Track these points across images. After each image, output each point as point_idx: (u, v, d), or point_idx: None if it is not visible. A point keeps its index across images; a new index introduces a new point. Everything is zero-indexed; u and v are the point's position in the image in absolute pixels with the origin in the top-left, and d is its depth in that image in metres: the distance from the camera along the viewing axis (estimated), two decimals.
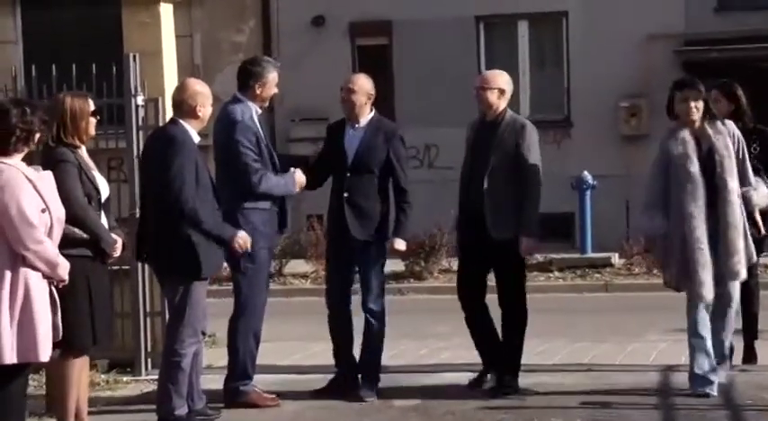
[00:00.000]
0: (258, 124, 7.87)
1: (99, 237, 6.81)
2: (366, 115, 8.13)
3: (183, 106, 7.34)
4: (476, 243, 8.07)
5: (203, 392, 7.57)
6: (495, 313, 8.15)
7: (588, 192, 16.62)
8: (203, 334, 7.55)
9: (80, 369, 6.93)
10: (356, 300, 8.17)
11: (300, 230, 16.76)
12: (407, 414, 7.66)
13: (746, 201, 7.71)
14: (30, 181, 5.94)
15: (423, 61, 18.59)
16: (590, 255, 16.53)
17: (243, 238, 7.41)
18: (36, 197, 5.93)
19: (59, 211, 6.08)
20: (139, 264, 8.79)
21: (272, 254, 8.20)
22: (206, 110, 7.38)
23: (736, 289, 7.73)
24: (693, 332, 7.72)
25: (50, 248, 5.97)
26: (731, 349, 8.43)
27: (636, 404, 7.70)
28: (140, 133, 8.96)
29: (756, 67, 17.21)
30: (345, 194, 8.01)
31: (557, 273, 16.07)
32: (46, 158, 6.75)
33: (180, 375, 7.22)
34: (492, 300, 8.14)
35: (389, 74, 18.87)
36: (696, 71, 17.58)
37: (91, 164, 7.01)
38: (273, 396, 7.97)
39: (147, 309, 9.05)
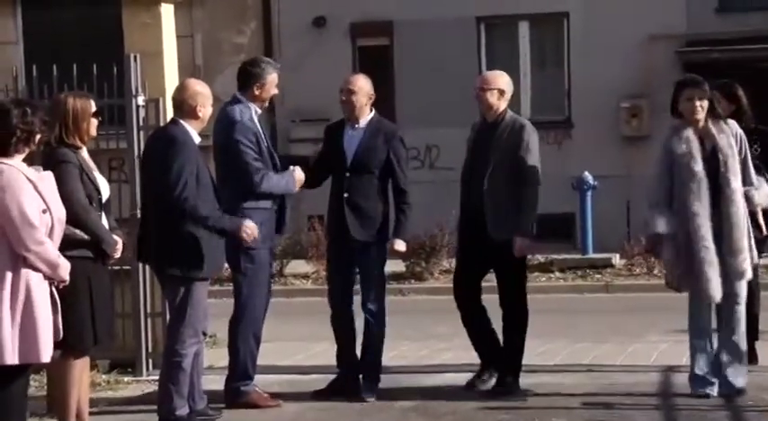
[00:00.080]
0: (258, 124, 7.87)
1: (100, 238, 6.81)
2: (366, 116, 8.13)
3: (184, 106, 7.34)
4: (476, 243, 8.07)
5: (204, 392, 7.57)
6: (496, 313, 8.15)
7: (589, 193, 16.62)
8: (204, 334, 7.55)
9: (81, 369, 6.93)
10: (357, 300, 8.17)
11: (301, 231, 16.77)
12: (408, 414, 7.66)
13: (749, 200, 7.70)
14: (30, 181, 5.94)
15: (423, 62, 18.59)
16: (591, 255, 16.54)
17: (250, 227, 7.41)
18: (37, 198, 5.93)
19: (60, 212, 6.08)
20: (140, 265, 8.79)
21: (273, 254, 8.19)
22: (206, 110, 7.38)
23: (742, 288, 7.71)
24: (695, 333, 7.72)
25: (51, 249, 5.97)
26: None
27: (637, 404, 7.70)
28: (141, 134, 8.96)
29: (757, 67, 17.21)
30: (345, 195, 8.01)
31: (557, 274, 16.07)
32: (47, 159, 6.75)
33: (181, 375, 7.22)
34: (493, 300, 8.14)
35: (390, 74, 18.87)
36: (697, 72, 17.55)
37: (92, 164, 7.01)
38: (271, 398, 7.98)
39: (148, 310, 9.05)
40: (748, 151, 7.79)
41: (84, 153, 6.98)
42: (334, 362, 8.29)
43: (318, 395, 8.13)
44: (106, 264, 6.99)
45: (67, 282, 6.13)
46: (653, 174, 7.79)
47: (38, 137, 6.10)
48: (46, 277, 5.99)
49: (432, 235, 15.74)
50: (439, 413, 7.64)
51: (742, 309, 7.72)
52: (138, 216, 8.47)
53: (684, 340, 7.97)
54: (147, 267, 8.64)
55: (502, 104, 8.12)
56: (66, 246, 6.36)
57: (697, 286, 7.55)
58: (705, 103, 7.69)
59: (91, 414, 7.20)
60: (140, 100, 9.04)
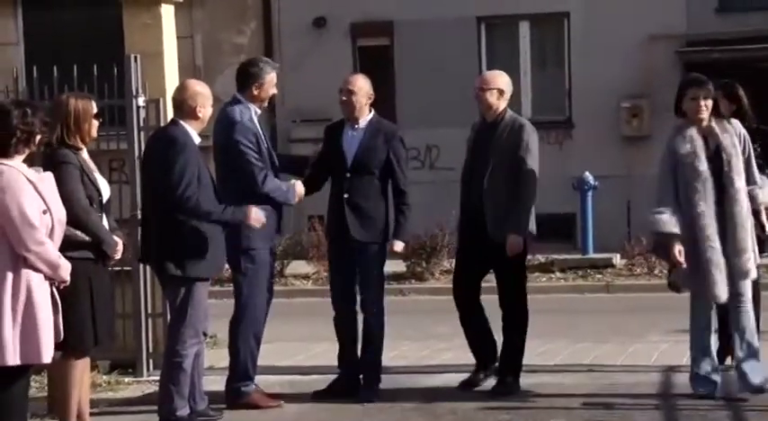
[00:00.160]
0: (258, 125, 7.88)
1: (101, 239, 6.81)
2: (365, 116, 8.13)
3: (184, 107, 7.35)
4: (476, 243, 8.07)
5: (205, 393, 7.57)
6: (496, 314, 8.16)
7: (590, 193, 16.62)
8: (204, 335, 7.55)
9: (82, 370, 6.93)
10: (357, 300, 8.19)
11: (302, 231, 16.77)
12: (409, 414, 7.66)
13: (753, 199, 7.69)
14: (31, 182, 5.94)
15: (424, 62, 18.59)
16: (591, 255, 16.54)
17: (256, 213, 7.43)
18: (37, 198, 5.93)
19: (60, 213, 6.08)
20: (141, 266, 8.79)
21: (274, 254, 8.19)
22: (206, 110, 7.39)
23: (747, 287, 7.69)
24: (696, 332, 7.71)
25: (52, 249, 5.97)
26: (732, 349, 8.43)
27: (637, 404, 7.70)
28: (141, 134, 8.97)
29: (758, 67, 17.20)
30: (345, 195, 8.01)
31: (558, 274, 16.07)
32: (48, 160, 6.75)
33: (181, 376, 7.23)
34: (493, 300, 8.15)
35: (391, 74, 18.87)
36: (697, 71, 17.56)
37: (92, 165, 7.02)
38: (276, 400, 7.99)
39: (149, 310, 9.06)
40: (752, 150, 7.78)
41: (85, 154, 6.99)
42: (334, 362, 8.29)
43: (319, 395, 8.13)
44: (107, 265, 6.99)
45: (68, 283, 6.14)
46: (657, 174, 7.77)
47: (38, 138, 6.11)
48: (46, 278, 6.00)
49: (432, 235, 15.74)
50: (439, 413, 7.64)
51: (749, 308, 7.69)
52: (139, 217, 8.47)
53: (685, 340, 7.97)
54: (148, 268, 8.64)
55: (501, 104, 8.13)
56: (67, 247, 6.36)
57: (703, 286, 7.54)
58: (709, 103, 7.68)
59: (91, 414, 7.20)
60: (141, 100, 9.05)
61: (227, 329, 7.98)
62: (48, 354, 5.97)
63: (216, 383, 7.98)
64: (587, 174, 16.67)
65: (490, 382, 8.18)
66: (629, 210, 18.13)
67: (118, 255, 6.97)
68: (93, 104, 7.05)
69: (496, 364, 8.22)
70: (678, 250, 7.48)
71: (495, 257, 8.02)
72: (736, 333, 7.67)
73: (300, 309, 13.34)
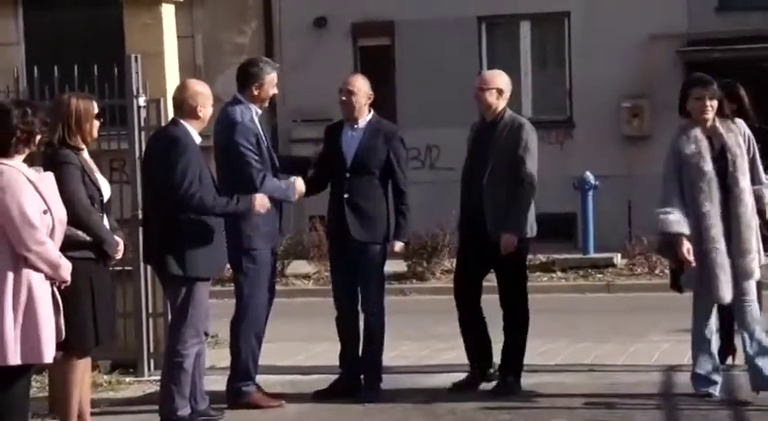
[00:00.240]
0: (259, 125, 7.88)
1: (102, 239, 6.81)
2: (365, 116, 8.13)
3: (184, 106, 7.35)
4: (476, 243, 8.08)
5: (206, 393, 7.57)
6: (497, 313, 8.16)
7: (590, 193, 16.61)
8: (206, 334, 7.55)
9: (83, 370, 6.93)
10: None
11: (303, 231, 16.77)
12: (409, 414, 7.66)
13: (758, 199, 7.68)
14: (31, 182, 5.94)
15: (425, 62, 18.58)
16: (592, 255, 16.53)
17: (261, 199, 7.45)
18: (37, 198, 5.93)
19: (61, 213, 6.08)
20: (142, 265, 8.79)
21: (276, 254, 8.19)
22: (207, 110, 7.39)
23: (752, 287, 7.67)
24: (698, 332, 7.70)
25: (52, 249, 5.97)
26: (733, 349, 8.43)
27: (638, 404, 7.70)
28: (142, 134, 8.97)
29: (758, 66, 17.19)
30: (345, 196, 8.01)
31: (559, 274, 16.06)
32: (48, 160, 6.75)
33: (182, 376, 7.23)
34: (493, 300, 8.15)
35: (391, 74, 18.86)
36: (698, 71, 17.56)
37: (93, 166, 7.02)
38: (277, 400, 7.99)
39: (150, 310, 9.06)
40: (757, 150, 7.76)
41: (86, 154, 6.99)
42: (335, 362, 8.30)
43: (320, 395, 8.13)
44: (108, 265, 6.99)
45: (69, 283, 6.14)
46: (662, 174, 7.75)
47: (38, 138, 6.11)
48: (47, 277, 5.99)
49: (433, 235, 15.74)
50: (440, 413, 7.64)
51: (755, 307, 7.66)
52: (140, 216, 8.47)
53: (686, 340, 7.96)
54: (149, 268, 8.64)
55: (501, 104, 8.13)
56: (68, 247, 6.37)
57: (707, 287, 7.53)
58: (714, 103, 7.67)
59: (92, 414, 7.20)
60: (141, 100, 9.05)
61: (228, 329, 7.99)
62: (49, 354, 5.97)
63: (217, 383, 7.98)
64: (588, 173, 16.67)
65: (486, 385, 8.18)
66: (629, 210, 18.12)
67: (119, 255, 6.97)
68: (95, 104, 7.06)
69: (491, 370, 8.22)
70: (687, 249, 7.46)
71: (495, 257, 8.02)
72: (745, 332, 7.65)
73: (301, 308, 13.35)
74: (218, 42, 19.02)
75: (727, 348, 8.35)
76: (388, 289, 8.41)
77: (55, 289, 6.06)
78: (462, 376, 8.30)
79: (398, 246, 8.18)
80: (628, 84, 18.26)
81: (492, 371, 8.21)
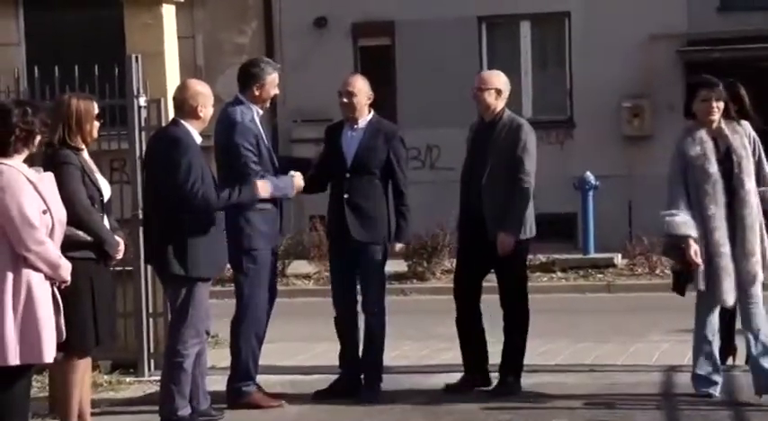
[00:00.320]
0: (259, 126, 7.88)
1: (102, 239, 6.81)
2: (365, 116, 8.14)
3: (185, 106, 7.35)
4: (476, 243, 8.08)
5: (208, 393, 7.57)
6: (497, 314, 8.16)
7: (591, 193, 16.61)
8: (207, 333, 7.55)
9: (83, 370, 6.93)
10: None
11: (303, 231, 16.77)
12: (410, 414, 7.67)
13: (764, 200, 7.66)
14: (31, 182, 5.94)
15: (425, 62, 18.58)
16: (592, 255, 16.53)
17: (262, 184, 7.50)
18: (37, 198, 5.93)
19: (61, 213, 6.08)
20: (142, 265, 8.80)
21: (276, 254, 8.19)
22: (207, 110, 7.39)
23: (758, 288, 7.65)
24: (700, 333, 7.69)
25: (52, 249, 5.97)
26: (734, 349, 8.43)
27: (639, 404, 7.70)
28: (143, 134, 8.97)
29: (759, 67, 17.18)
30: (345, 196, 8.01)
31: (559, 274, 16.06)
32: (49, 160, 6.75)
33: (182, 376, 7.23)
34: (494, 300, 8.15)
35: (392, 74, 18.87)
36: (698, 71, 17.57)
37: (93, 166, 7.02)
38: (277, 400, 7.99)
39: (150, 310, 9.06)
40: (762, 152, 7.75)
41: (86, 154, 6.99)
42: (335, 362, 8.30)
43: (320, 395, 8.13)
44: (108, 265, 6.99)
45: (69, 283, 6.14)
46: (667, 175, 7.73)
47: (38, 138, 6.10)
48: (47, 278, 5.99)
49: (433, 235, 15.74)
50: (440, 413, 7.64)
51: (761, 309, 7.64)
52: (140, 217, 8.47)
53: (686, 340, 7.97)
54: (149, 268, 8.65)
55: (499, 104, 8.14)
56: (69, 247, 6.37)
57: (711, 290, 7.52)
58: (721, 104, 7.65)
59: (93, 414, 7.21)
60: (142, 100, 9.05)
61: (228, 329, 7.99)
62: (49, 354, 5.97)
63: (217, 383, 7.98)
64: (588, 173, 16.66)
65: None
66: (630, 210, 18.12)
67: (119, 255, 6.98)
68: (95, 105, 7.06)
69: (486, 372, 8.22)
70: (694, 251, 7.45)
71: (495, 257, 8.02)
72: (750, 334, 7.64)
73: (302, 308, 13.34)
74: (218, 42, 19.03)
75: (727, 348, 8.35)
76: (388, 289, 8.41)
77: (55, 289, 6.06)
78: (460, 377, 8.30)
79: (397, 246, 8.21)
80: (628, 84, 18.25)
81: (487, 372, 8.21)
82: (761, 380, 7.60)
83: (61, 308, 6.06)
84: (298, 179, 7.87)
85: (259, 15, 19.32)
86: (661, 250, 8.21)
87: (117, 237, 6.94)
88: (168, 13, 9.36)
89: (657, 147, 17.91)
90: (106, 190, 7.01)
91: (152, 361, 9.01)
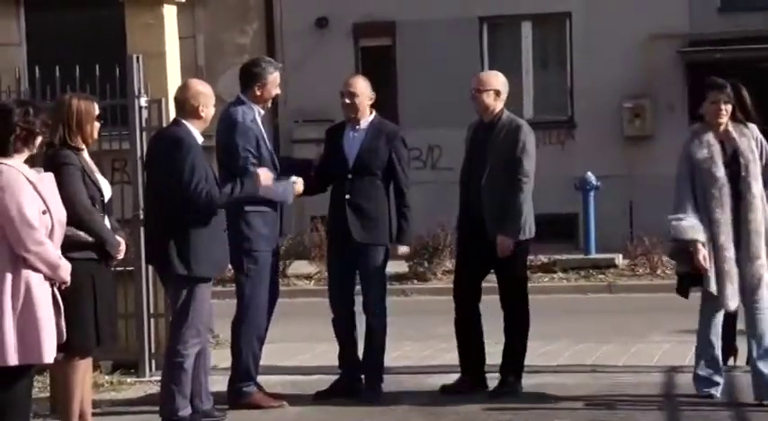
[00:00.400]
0: (261, 126, 7.88)
1: (103, 239, 6.81)
2: (367, 117, 8.13)
3: (186, 106, 7.35)
4: (476, 244, 8.07)
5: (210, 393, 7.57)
6: (497, 314, 8.15)
7: (592, 193, 16.60)
8: (211, 332, 7.54)
9: (84, 370, 6.93)
10: (358, 301, 8.17)
11: (304, 231, 16.77)
12: (411, 414, 7.66)
13: None
14: (30, 182, 5.93)
15: (426, 62, 18.58)
16: (594, 255, 16.52)
17: (263, 173, 7.50)
18: (37, 198, 5.92)
19: (60, 213, 6.07)
20: (143, 266, 8.79)
21: (277, 255, 8.19)
22: (208, 110, 7.39)
23: (763, 291, 7.62)
24: (703, 335, 7.68)
25: (51, 250, 5.96)
26: (735, 350, 8.42)
27: (640, 405, 7.69)
28: (144, 134, 8.97)
29: (759, 67, 17.18)
30: (347, 197, 8.00)
31: (560, 274, 16.06)
32: (49, 161, 6.75)
33: (183, 376, 7.22)
34: (494, 300, 8.14)
35: (393, 75, 18.86)
36: (699, 72, 17.57)
37: (93, 166, 7.02)
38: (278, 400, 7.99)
39: (151, 311, 9.06)
40: None
41: (86, 154, 6.99)
42: (336, 362, 8.29)
43: (321, 396, 8.13)
44: (110, 265, 6.99)
45: (69, 284, 6.12)
46: (675, 178, 7.69)
47: (39, 138, 6.10)
48: (47, 278, 5.98)
49: (434, 235, 15.74)
50: (441, 413, 7.64)
51: (765, 314, 7.60)
52: (141, 217, 8.47)
53: (687, 340, 7.96)
54: (150, 268, 8.65)
55: (498, 105, 8.13)
56: (70, 247, 6.37)
57: (716, 293, 7.52)
58: (729, 107, 7.64)
59: (94, 415, 7.20)
60: (143, 101, 9.05)
61: (229, 330, 7.98)
62: (49, 355, 5.96)
63: (218, 383, 7.98)
64: (589, 174, 16.66)
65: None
66: (631, 211, 18.12)
67: (121, 255, 6.98)
68: (95, 105, 7.06)
69: (486, 376, 8.22)
70: (703, 255, 7.44)
71: (495, 258, 8.01)
72: (753, 337, 7.62)
73: (303, 309, 13.33)
74: (219, 43, 19.02)
75: (728, 349, 8.34)
76: (389, 289, 8.40)
77: (55, 290, 6.06)
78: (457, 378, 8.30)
79: (402, 249, 8.19)
80: (629, 84, 18.25)
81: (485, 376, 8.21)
82: (761, 388, 7.58)
83: (62, 308, 6.06)
84: (298, 186, 7.87)
85: (260, 16, 19.32)
86: (668, 254, 8.17)
87: (118, 238, 6.93)
88: (169, 13, 9.36)
89: (658, 148, 17.93)
90: (107, 190, 7.00)
91: (153, 361, 9.00)
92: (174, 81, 9.15)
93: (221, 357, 8.76)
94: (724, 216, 7.48)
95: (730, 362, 8.46)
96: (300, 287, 15.83)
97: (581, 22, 18.63)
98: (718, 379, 7.71)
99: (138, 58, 9.02)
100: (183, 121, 7.33)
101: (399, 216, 8.11)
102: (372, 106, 8.17)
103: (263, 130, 7.90)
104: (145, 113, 9.07)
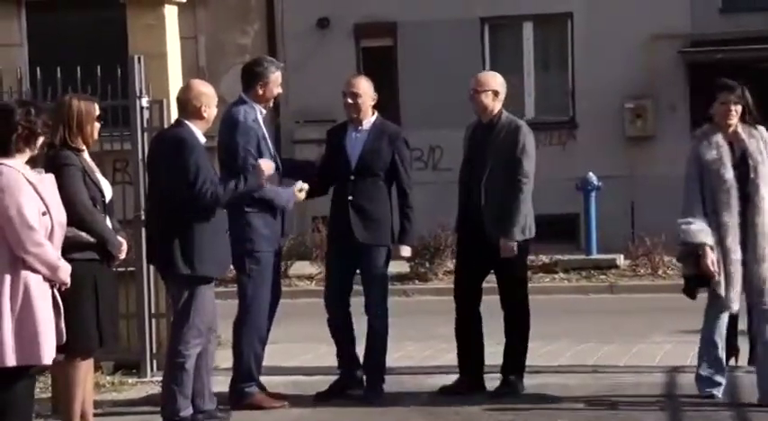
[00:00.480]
0: (263, 126, 7.88)
1: (105, 239, 6.81)
2: (369, 118, 8.13)
3: (188, 107, 7.35)
4: (476, 245, 8.07)
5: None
6: (497, 314, 8.15)
7: (593, 194, 16.60)
8: (214, 332, 7.54)
9: (86, 371, 6.93)
10: (356, 301, 8.17)
11: (306, 232, 16.77)
12: (412, 415, 7.66)
13: None
14: (30, 183, 5.93)
15: (427, 63, 18.58)
16: (595, 256, 16.51)
17: (265, 164, 7.50)
18: (36, 200, 5.92)
19: (61, 215, 6.06)
20: (145, 266, 8.80)
21: (279, 256, 8.19)
22: (211, 110, 7.39)
23: None
24: (707, 335, 7.66)
25: (50, 251, 5.94)
26: (736, 350, 8.41)
27: (641, 405, 7.69)
28: (145, 135, 8.97)
29: (761, 67, 17.17)
30: (350, 198, 8.00)
31: (562, 275, 16.05)
32: (50, 161, 6.74)
33: (184, 376, 7.22)
34: (494, 301, 8.14)
35: (394, 75, 18.86)
36: (701, 72, 17.58)
37: (94, 167, 7.02)
38: (280, 400, 7.99)
39: (153, 311, 9.06)
40: None
41: (86, 155, 6.99)
42: (336, 363, 8.29)
43: (321, 396, 8.13)
44: (111, 266, 6.99)
45: (68, 285, 6.11)
46: (683, 180, 7.66)
47: (40, 139, 6.10)
48: (46, 279, 5.97)
49: (435, 235, 15.74)
50: (442, 413, 7.64)
51: None
52: (143, 217, 8.47)
53: (689, 341, 7.96)
54: (152, 268, 8.65)
55: (497, 105, 8.14)
56: (72, 248, 6.37)
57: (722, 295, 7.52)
58: (739, 108, 7.63)
59: (95, 415, 7.20)
60: (144, 101, 9.05)
61: (231, 330, 7.98)
62: (48, 356, 5.95)
63: (220, 384, 7.98)
64: (591, 174, 16.65)
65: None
66: (632, 211, 18.11)
67: (123, 256, 6.98)
68: (96, 106, 7.05)
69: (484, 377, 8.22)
70: (711, 260, 7.43)
71: (495, 258, 8.01)
72: (760, 341, 7.63)
73: (304, 309, 13.31)
74: (220, 43, 19.03)
75: (729, 349, 8.33)
76: (390, 290, 8.40)
77: (55, 291, 6.05)
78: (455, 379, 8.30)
79: (405, 250, 8.18)
80: (630, 84, 18.25)
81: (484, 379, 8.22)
82: (765, 391, 7.57)
83: (61, 310, 6.05)
84: (301, 195, 7.86)
85: (261, 16, 19.32)
86: (676, 257, 8.15)
87: (119, 238, 6.94)
88: (170, 13, 9.36)
89: (660, 148, 17.93)
90: (108, 190, 7.01)
91: (154, 361, 9.01)
92: (175, 82, 9.15)
93: (223, 358, 8.76)
94: (732, 219, 7.46)
95: (731, 362, 8.46)
96: (302, 287, 15.82)
97: (582, 22, 18.64)
98: (720, 379, 7.71)
99: (139, 58, 9.02)
100: (186, 122, 7.34)
101: (402, 216, 8.10)
102: (374, 107, 8.17)
103: (264, 131, 7.90)
104: (146, 114, 9.07)
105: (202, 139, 7.33)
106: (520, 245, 8.03)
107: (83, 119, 6.92)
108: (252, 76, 7.89)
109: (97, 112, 7.02)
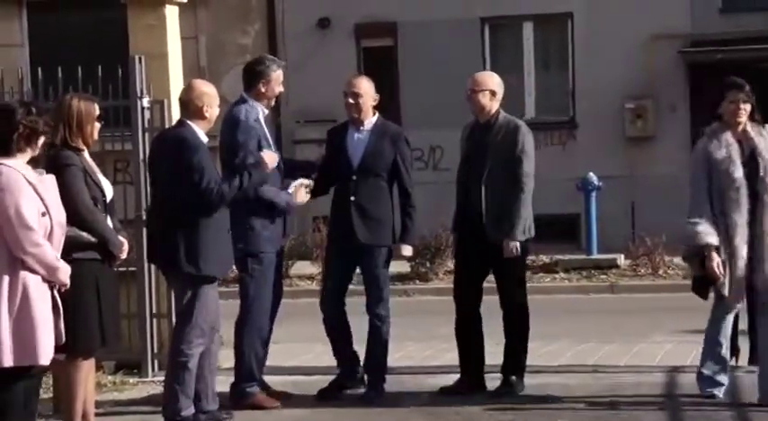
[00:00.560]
0: (264, 126, 7.88)
1: (106, 239, 6.82)
2: (370, 118, 8.13)
3: (190, 106, 7.36)
4: (476, 245, 8.07)
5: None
6: (497, 314, 8.16)
7: (593, 194, 16.61)
8: (216, 332, 7.55)
9: (87, 371, 6.93)
10: (357, 301, 8.17)
11: (307, 232, 16.77)
12: (412, 414, 7.67)
13: None
14: (30, 184, 5.92)
15: (428, 63, 18.59)
16: (595, 256, 16.52)
17: (268, 156, 7.51)
18: (36, 200, 5.91)
19: (60, 215, 6.06)
20: (146, 266, 8.80)
21: (281, 256, 8.20)
22: (213, 110, 7.40)
23: None
24: (712, 336, 7.66)
25: (49, 252, 5.94)
26: (737, 350, 8.42)
27: (642, 405, 7.70)
28: (146, 135, 8.98)
29: (761, 67, 17.17)
30: (352, 198, 8.00)
31: (562, 274, 16.06)
32: (51, 162, 6.74)
33: (186, 376, 7.23)
34: (494, 301, 8.15)
35: (395, 75, 18.87)
36: (701, 72, 17.60)
37: (95, 167, 7.02)
38: (278, 401, 8.00)
39: (154, 311, 9.06)
40: None
41: (87, 155, 6.99)
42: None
43: (322, 396, 8.13)
44: (113, 266, 7.00)
45: (68, 286, 6.11)
46: (690, 179, 7.66)
47: (41, 138, 6.10)
48: (46, 280, 5.97)
49: (436, 235, 15.74)
50: (443, 413, 7.64)
51: None
52: (144, 217, 8.48)
53: (689, 340, 7.97)
54: (153, 268, 8.66)
55: (494, 105, 8.14)
56: (73, 248, 6.37)
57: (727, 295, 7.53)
58: (748, 107, 7.63)
59: (96, 415, 7.21)
60: (145, 101, 9.06)
61: (232, 330, 7.99)
62: (45, 356, 5.93)
63: (222, 384, 7.98)
64: (591, 174, 16.66)
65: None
66: (633, 211, 18.12)
67: (124, 255, 6.99)
68: (96, 106, 7.05)
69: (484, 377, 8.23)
70: (717, 262, 7.43)
71: (494, 258, 8.02)
72: (762, 341, 7.64)
73: (305, 309, 13.28)
74: (221, 43, 19.04)
75: (731, 349, 8.34)
76: (391, 290, 8.41)
77: (55, 292, 6.04)
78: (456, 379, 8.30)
79: (407, 249, 8.18)
80: (631, 84, 18.26)
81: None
82: (766, 392, 7.57)
83: (61, 310, 6.04)
84: (300, 198, 7.86)
85: (262, 16, 19.34)
86: (682, 257, 8.16)
87: (121, 238, 6.94)
88: (171, 14, 9.36)
89: (660, 148, 17.95)
90: (108, 190, 7.01)
91: (156, 361, 9.01)
92: (176, 82, 9.16)
93: (224, 358, 8.77)
94: (740, 218, 7.45)
95: (732, 362, 8.46)
96: (303, 287, 15.83)
97: (582, 22, 18.65)
98: (722, 379, 7.71)
99: (140, 58, 9.03)
100: (188, 122, 7.35)
101: (405, 216, 8.10)
102: (375, 107, 8.18)
103: (266, 130, 7.91)
104: (147, 114, 9.07)
105: (205, 139, 7.34)
106: (520, 245, 8.03)
107: (83, 119, 6.92)
108: (253, 75, 7.90)
109: (97, 112, 7.03)
